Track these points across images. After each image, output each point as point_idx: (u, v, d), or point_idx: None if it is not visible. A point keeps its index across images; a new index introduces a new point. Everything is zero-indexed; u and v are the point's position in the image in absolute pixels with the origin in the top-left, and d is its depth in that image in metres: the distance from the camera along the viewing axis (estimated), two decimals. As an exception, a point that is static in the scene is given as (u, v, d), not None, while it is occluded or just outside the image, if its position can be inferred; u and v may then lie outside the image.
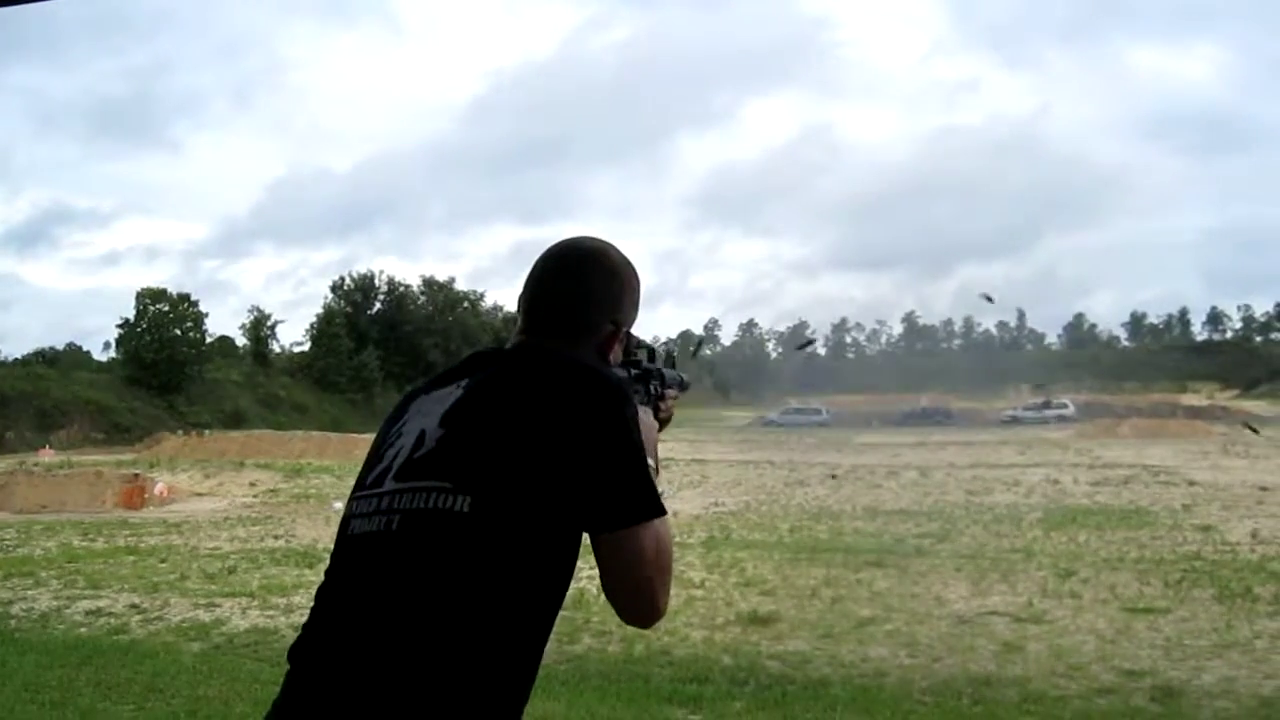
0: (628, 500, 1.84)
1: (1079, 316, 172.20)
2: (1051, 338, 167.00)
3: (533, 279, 2.16)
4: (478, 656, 1.77)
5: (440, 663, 1.75)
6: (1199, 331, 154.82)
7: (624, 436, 1.86)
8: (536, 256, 2.19)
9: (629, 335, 2.18)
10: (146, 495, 24.12)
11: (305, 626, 1.91)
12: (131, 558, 14.88)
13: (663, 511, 1.87)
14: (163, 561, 14.46)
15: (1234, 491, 21.78)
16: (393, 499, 1.86)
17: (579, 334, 2.09)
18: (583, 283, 2.12)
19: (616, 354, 2.14)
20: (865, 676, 8.04)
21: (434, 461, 1.86)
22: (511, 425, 1.84)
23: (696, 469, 30.21)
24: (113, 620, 10.50)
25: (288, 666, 1.88)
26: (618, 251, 2.19)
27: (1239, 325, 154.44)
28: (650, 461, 1.91)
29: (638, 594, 1.89)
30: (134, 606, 11.17)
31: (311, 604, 1.93)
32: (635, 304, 2.17)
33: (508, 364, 2.00)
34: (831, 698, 7.40)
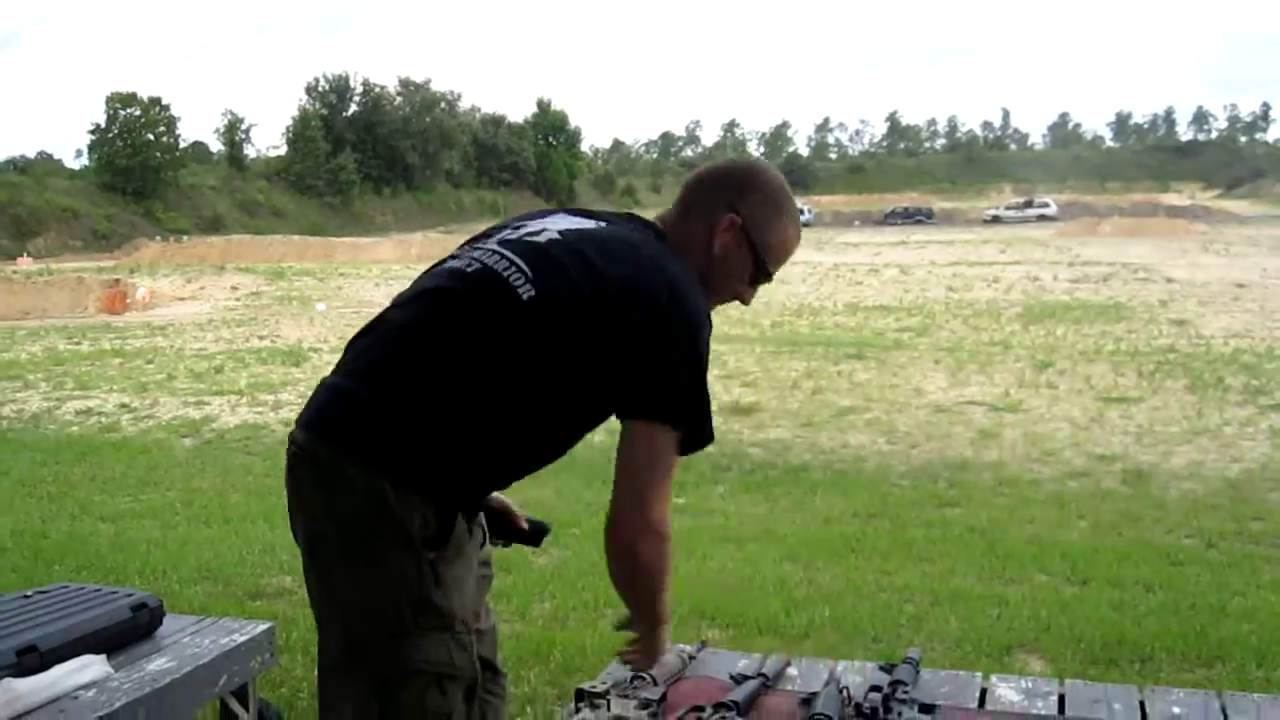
0: (663, 399, 1.93)
1: (1064, 116, 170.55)
2: (1035, 137, 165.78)
3: None
4: (458, 430, 1.89)
5: (426, 417, 1.89)
6: (1184, 132, 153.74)
7: (686, 352, 1.94)
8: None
9: (755, 248, 2.13)
10: (129, 300, 24.11)
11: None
12: (118, 359, 14.97)
13: (696, 434, 1.97)
14: (149, 363, 14.55)
15: (1211, 288, 21.98)
16: (485, 254, 2.00)
17: (690, 209, 2.15)
18: (719, 167, 2.25)
19: (727, 247, 2.12)
20: (844, 462, 8.23)
21: (533, 250, 1.98)
22: (597, 292, 1.92)
23: (678, 270, 30.15)
24: (104, 419, 10.62)
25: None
26: (769, 169, 2.23)
27: (1225, 125, 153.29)
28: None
29: (631, 488, 1.97)
30: (124, 406, 11.29)
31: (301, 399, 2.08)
32: (767, 215, 2.14)
33: (631, 228, 2.11)
34: (811, 481, 7.60)
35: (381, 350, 1.97)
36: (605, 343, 1.91)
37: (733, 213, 2.10)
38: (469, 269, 1.98)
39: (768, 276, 2.19)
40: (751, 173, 2.20)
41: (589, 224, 2.08)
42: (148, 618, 2.75)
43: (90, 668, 2.45)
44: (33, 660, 2.43)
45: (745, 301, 2.22)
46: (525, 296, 1.90)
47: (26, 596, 2.75)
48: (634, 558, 1.98)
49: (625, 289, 1.93)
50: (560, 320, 1.90)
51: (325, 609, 1.99)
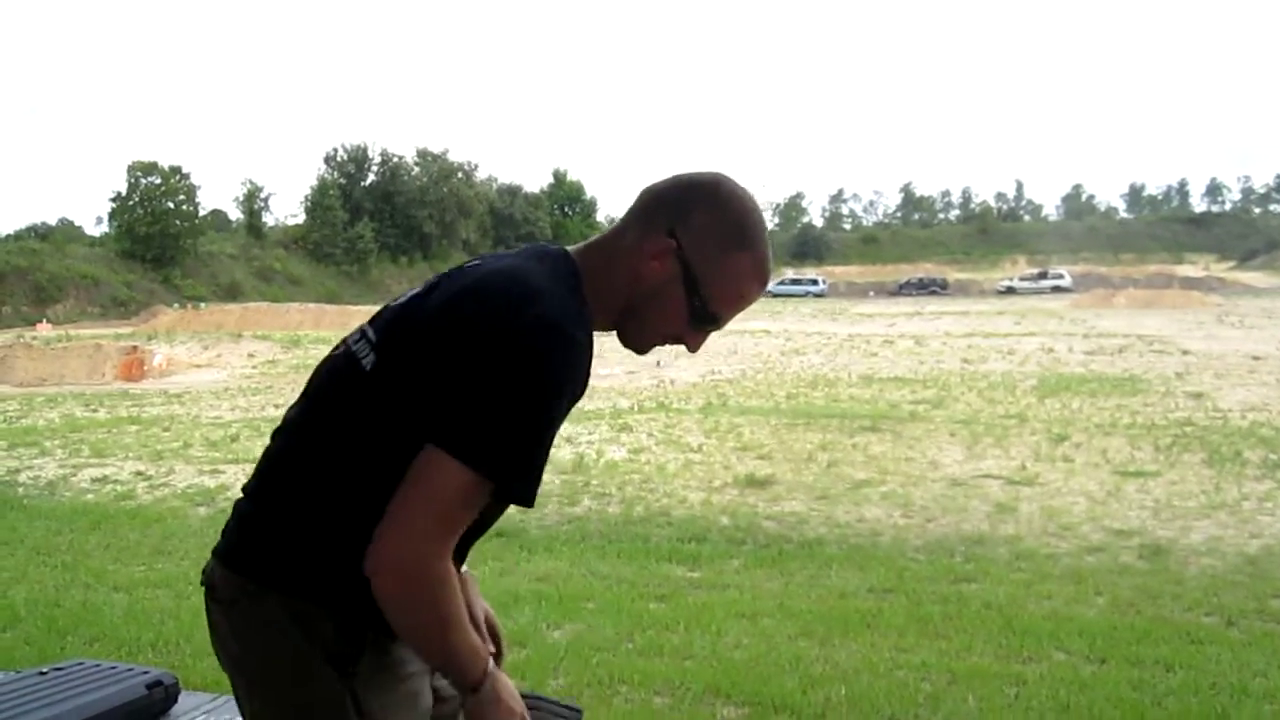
0: (455, 424, 1.60)
1: (1077, 187, 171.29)
2: (1049, 208, 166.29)
3: None
4: (335, 522, 1.70)
5: (304, 516, 1.74)
6: (1198, 203, 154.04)
7: (496, 371, 1.59)
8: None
9: (695, 283, 1.73)
10: (146, 367, 24.24)
11: None
12: (134, 427, 15.01)
13: (492, 473, 1.60)
14: (165, 430, 14.59)
15: (1227, 360, 21.90)
16: (352, 333, 1.83)
17: (628, 225, 1.77)
18: (671, 179, 1.81)
19: (657, 276, 1.73)
20: (860, 536, 8.19)
21: (389, 313, 1.80)
22: (433, 318, 1.69)
23: (693, 339, 30.22)
24: (119, 487, 10.64)
25: None
26: (733, 185, 1.79)
27: (1238, 197, 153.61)
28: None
29: (395, 515, 1.62)
30: (139, 474, 11.31)
31: None
32: (716, 244, 1.73)
33: (513, 255, 1.80)
34: (827, 555, 7.56)
35: (268, 456, 1.83)
36: (426, 373, 1.64)
37: (670, 235, 1.72)
38: (334, 352, 1.82)
39: (711, 321, 1.77)
40: (705, 188, 1.76)
41: (474, 264, 1.80)
42: (163, 695, 2.75)
43: (105, 747, 2.45)
44: (49, 740, 2.43)
45: (690, 348, 1.82)
46: (368, 366, 1.71)
47: (43, 674, 2.76)
48: (377, 591, 1.60)
49: (442, 307, 1.68)
50: (395, 375, 1.67)
51: None
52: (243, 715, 1.82)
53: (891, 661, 5.27)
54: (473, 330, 1.61)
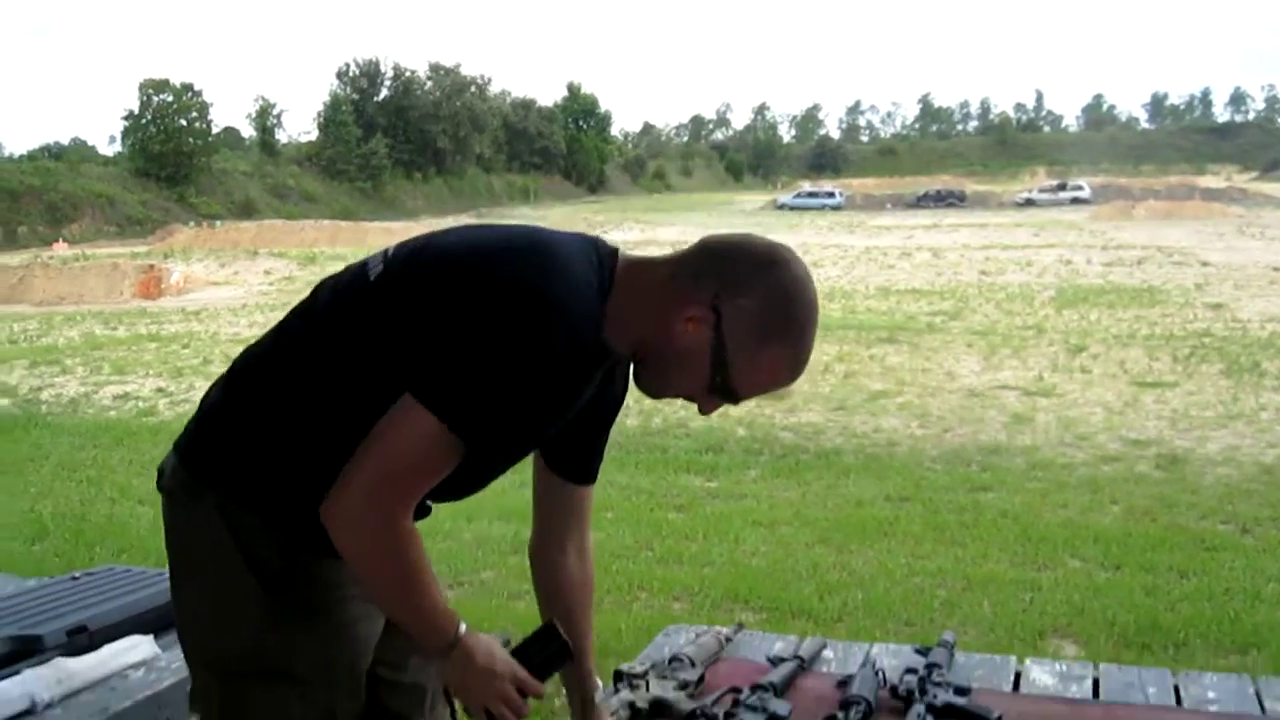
0: (428, 373, 1.55)
1: (1098, 97, 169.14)
2: (1069, 119, 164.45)
3: None
4: (294, 435, 1.67)
5: (264, 421, 1.70)
6: (1221, 113, 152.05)
7: (476, 324, 1.55)
8: None
9: (722, 363, 1.61)
10: (163, 285, 24.25)
11: None
12: (154, 344, 15.09)
13: (459, 427, 1.54)
14: (185, 347, 14.67)
15: (1247, 272, 21.73)
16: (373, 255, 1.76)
17: (682, 265, 1.65)
18: (739, 239, 1.70)
19: (687, 340, 1.61)
20: (877, 446, 8.23)
21: (414, 242, 1.73)
22: (453, 251, 1.67)
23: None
24: (140, 403, 10.74)
25: None
26: (795, 266, 1.67)
27: (1262, 106, 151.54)
28: None
29: (358, 459, 1.56)
30: (160, 390, 11.41)
31: None
32: (756, 330, 1.60)
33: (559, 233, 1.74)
34: (844, 465, 7.61)
35: (246, 354, 1.78)
36: (425, 305, 1.59)
37: (712, 307, 1.59)
38: (349, 266, 1.76)
39: (730, 398, 1.67)
40: (763, 270, 1.62)
41: (531, 226, 1.77)
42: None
43: (139, 647, 2.50)
44: (83, 640, 2.48)
45: (703, 410, 1.71)
46: (373, 277, 1.67)
47: (74, 578, 2.81)
48: (334, 536, 1.57)
49: (465, 245, 1.66)
50: (396, 292, 1.63)
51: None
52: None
53: (908, 568, 5.34)
54: (479, 280, 1.57)
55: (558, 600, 1.94)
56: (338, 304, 1.69)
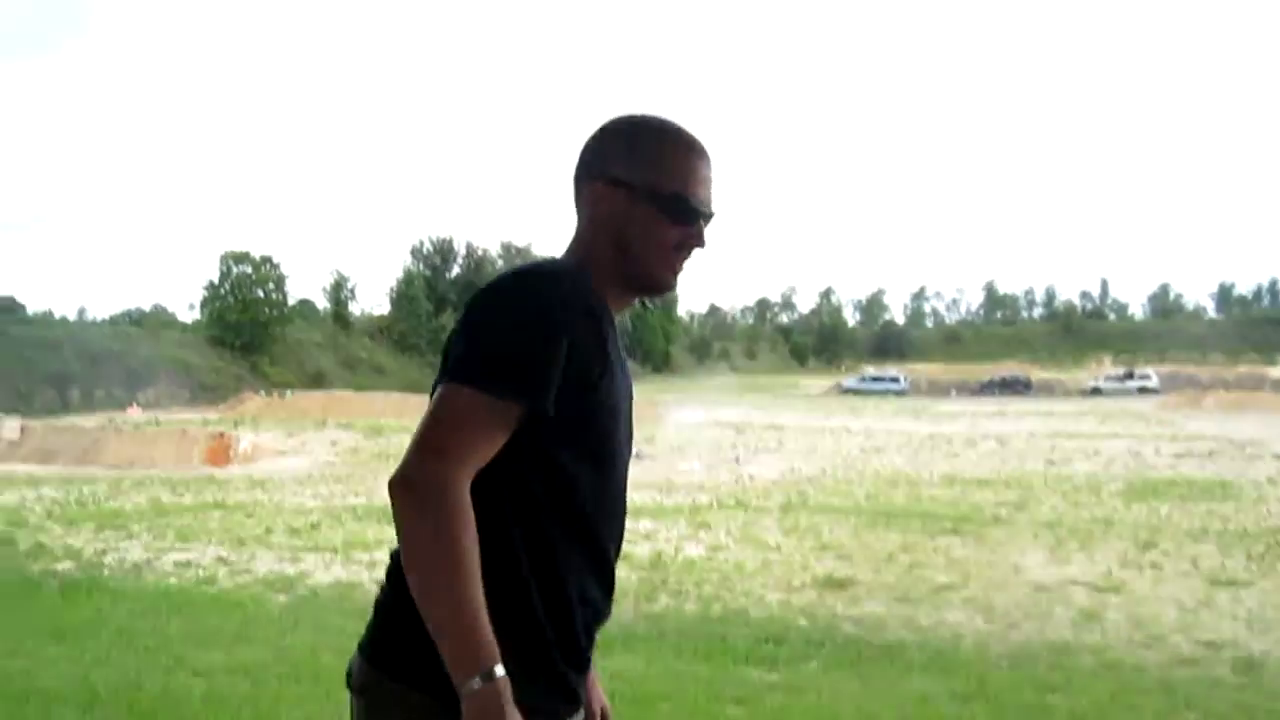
0: (454, 359, 1.75)
1: (1164, 286, 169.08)
2: (1135, 307, 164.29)
3: None
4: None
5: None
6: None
7: (476, 313, 1.76)
8: None
9: (647, 191, 1.83)
10: (232, 453, 24.62)
11: None
12: (218, 512, 15.24)
13: (487, 386, 1.69)
14: (249, 516, 14.79)
15: (1323, 466, 21.32)
16: None
17: (578, 205, 1.90)
18: (584, 147, 1.93)
19: (613, 217, 1.84)
20: (941, 640, 8.03)
21: None
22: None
23: (773, 435, 30.23)
24: (201, 571, 10.78)
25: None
26: (625, 116, 1.92)
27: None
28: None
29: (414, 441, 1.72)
30: (221, 559, 11.46)
31: None
32: (640, 154, 1.84)
33: None
34: (907, 660, 7.41)
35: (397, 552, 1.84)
36: None
37: (598, 181, 1.84)
38: None
39: (684, 205, 1.84)
40: (609, 131, 1.90)
41: None
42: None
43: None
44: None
45: (697, 244, 1.88)
46: None
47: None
48: (393, 504, 1.71)
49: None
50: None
51: None
52: None
53: (973, 773, 5.14)
54: (472, 299, 1.79)
55: None
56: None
